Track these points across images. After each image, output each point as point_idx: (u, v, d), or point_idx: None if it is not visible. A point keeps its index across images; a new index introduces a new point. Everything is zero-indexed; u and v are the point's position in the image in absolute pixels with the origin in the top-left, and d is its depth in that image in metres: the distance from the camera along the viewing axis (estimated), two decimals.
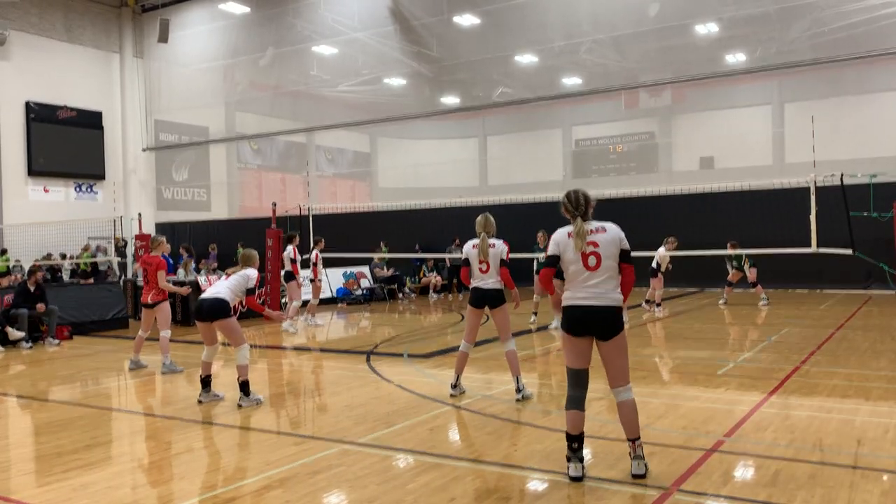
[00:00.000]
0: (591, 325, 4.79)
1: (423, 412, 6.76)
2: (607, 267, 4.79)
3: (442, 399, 7.26)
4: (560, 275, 5.01)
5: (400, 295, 20.96)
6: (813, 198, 11.94)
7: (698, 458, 5.17)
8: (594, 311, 4.77)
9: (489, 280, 7.11)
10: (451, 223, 22.16)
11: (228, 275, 7.65)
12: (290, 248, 13.84)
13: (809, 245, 12.02)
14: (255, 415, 6.95)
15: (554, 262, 4.95)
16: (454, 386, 7.39)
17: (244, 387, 7.29)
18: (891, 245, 14.29)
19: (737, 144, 22.62)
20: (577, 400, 4.84)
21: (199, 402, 7.47)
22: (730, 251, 15.65)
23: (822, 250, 12.11)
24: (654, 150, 25.32)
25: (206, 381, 7.54)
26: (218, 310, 7.32)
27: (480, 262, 7.11)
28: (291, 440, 5.97)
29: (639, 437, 4.82)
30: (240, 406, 7.23)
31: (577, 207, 4.88)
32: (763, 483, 4.67)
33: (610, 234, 4.83)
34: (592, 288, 4.79)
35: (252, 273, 7.64)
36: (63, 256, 21.57)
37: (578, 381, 4.88)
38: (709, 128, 23.84)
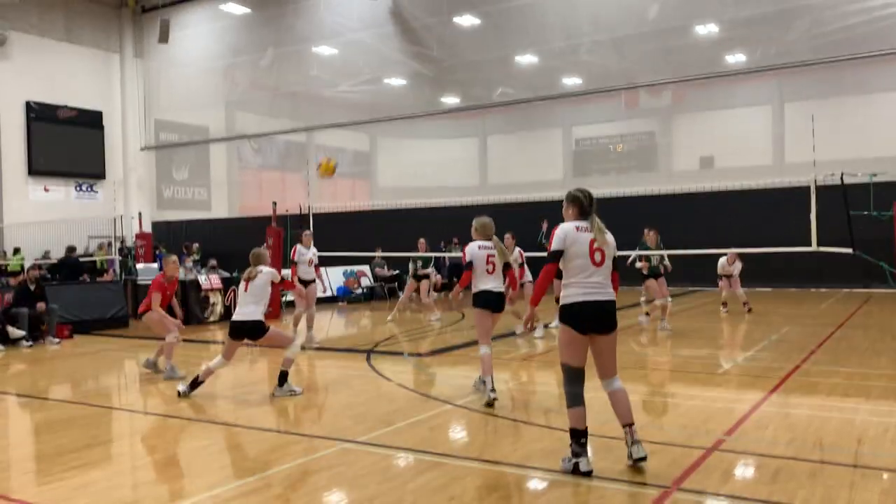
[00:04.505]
0: (600, 319, 4.90)
1: (424, 411, 6.76)
2: (608, 266, 4.99)
3: (442, 398, 7.25)
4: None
5: (400, 294, 20.94)
6: (813, 197, 11.92)
7: (698, 456, 5.16)
8: (600, 305, 4.91)
9: (497, 282, 7.03)
10: (451, 222, 22.16)
11: (247, 281, 7.68)
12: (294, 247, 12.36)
13: (809, 244, 12.01)
14: (255, 414, 6.95)
15: (559, 256, 4.96)
16: (492, 390, 6.89)
17: (283, 377, 7.62)
18: (891, 244, 14.29)
19: (737, 144, 22.61)
20: (579, 396, 4.93)
21: (179, 393, 7.65)
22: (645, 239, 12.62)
23: (823, 249, 12.10)
24: (654, 150, 25.32)
25: (196, 383, 7.71)
26: (257, 330, 7.58)
27: (487, 264, 7.03)
28: (291, 439, 5.97)
29: (633, 423, 4.94)
30: (273, 395, 7.55)
31: (591, 205, 5.05)
32: (763, 482, 4.67)
33: (611, 237, 5.06)
34: (596, 284, 4.93)
35: (271, 272, 7.78)
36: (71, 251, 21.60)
37: (579, 378, 4.96)
38: (709, 128, 23.83)
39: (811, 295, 18.12)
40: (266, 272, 7.72)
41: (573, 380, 4.95)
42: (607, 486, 4.64)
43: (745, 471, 4.97)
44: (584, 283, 4.92)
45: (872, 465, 4.97)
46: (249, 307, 7.60)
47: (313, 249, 12.32)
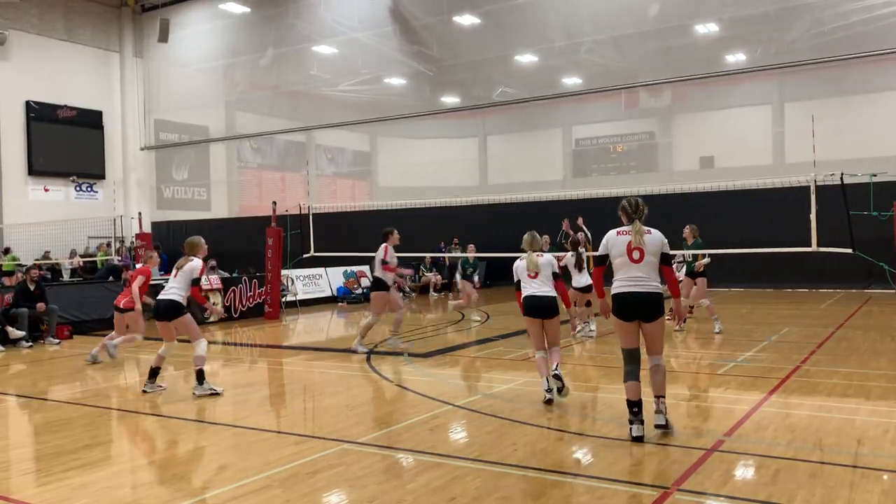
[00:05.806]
0: (637, 308, 5.63)
1: (423, 412, 6.76)
2: (648, 262, 5.67)
3: (442, 398, 7.25)
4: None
5: (400, 294, 20.93)
6: (813, 197, 11.90)
7: (698, 457, 5.16)
8: (637, 296, 5.62)
9: (542, 287, 6.93)
10: (452, 222, 22.15)
11: (178, 268, 7.90)
12: (383, 246, 10.40)
13: (809, 244, 11.99)
14: (255, 414, 6.95)
15: (604, 259, 5.85)
16: (548, 390, 6.89)
17: (199, 376, 7.68)
18: (891, 244, 14.27)
19: (737, 144, 22.59)
20: (633, 373, 5.69)
21: (144, 391, 7.84)
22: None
23: (823, 249, 12.09)
24: (654, 150, 25.28)
25: (154, 372, 7.92)
26: (171, 310, 7.72)
27: (529, 272, 6.99)
28: (291, 440, 5.97)
29: (664, 396, 5.72)
30: (194, 394, 7.63)
31: (636, 212, 5.84)
32: (763, 482, 4.67)
33: (654, 237, 5.78)
34: (635, 278, 5.65)
35: (196, 264, 7.86)
36: (72, 254, 21.64)
37: (632, 358, 5.73)
38: (709, 127, 23.80)
39: (811, 295, 18.12)
40: (195, 262, 7.83)
41: (626, 359, 5.74)
42: (607, 487, 4.64)
43: (745, 471, 4.96)
44: (624, 278, 5.69)
45: (872, 465, 4.97)
46: (172, 290, 7.78)
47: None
